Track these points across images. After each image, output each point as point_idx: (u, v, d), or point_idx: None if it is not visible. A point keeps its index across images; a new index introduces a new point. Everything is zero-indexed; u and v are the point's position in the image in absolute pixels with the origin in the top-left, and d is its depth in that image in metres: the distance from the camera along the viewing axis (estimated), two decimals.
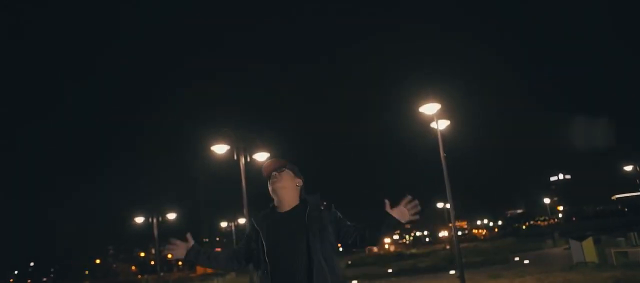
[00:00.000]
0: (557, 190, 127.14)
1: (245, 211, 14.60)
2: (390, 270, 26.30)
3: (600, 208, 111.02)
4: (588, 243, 15.45)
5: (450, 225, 14.42)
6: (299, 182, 2.97)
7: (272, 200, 2.96)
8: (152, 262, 79.59)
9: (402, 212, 2.78)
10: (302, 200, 2.92)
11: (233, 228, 42.58)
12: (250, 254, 2.92)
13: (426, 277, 18.71)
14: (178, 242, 2.90)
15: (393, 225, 2.78)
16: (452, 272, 20.45)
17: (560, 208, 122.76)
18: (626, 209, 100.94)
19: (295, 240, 2.73)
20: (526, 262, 20.62)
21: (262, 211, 2.96)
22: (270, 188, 2.93)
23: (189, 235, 2.93)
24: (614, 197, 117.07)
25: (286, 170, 2.94)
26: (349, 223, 2.88)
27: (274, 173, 2.92)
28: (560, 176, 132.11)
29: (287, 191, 2.90)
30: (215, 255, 3.05)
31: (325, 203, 2.91)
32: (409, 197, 2.79)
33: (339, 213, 2.90)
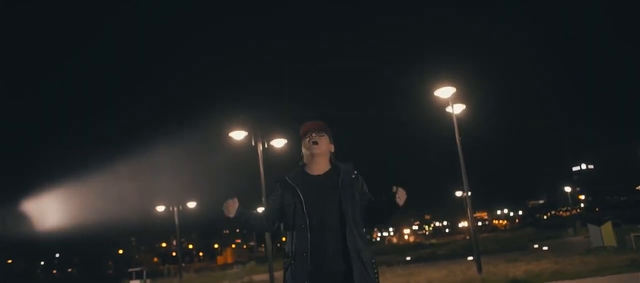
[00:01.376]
0: (579, 181, 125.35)
1: (264, 199, 14.77)
2: (408, 258, 26.42)
3: (624, 198, 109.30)
4: (607, 228, 15.37)
5: (469, 210, 14.45)
6: (332, 147, 2.99)
7: (301, 158, 3.00)
8: (174, 253, 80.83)
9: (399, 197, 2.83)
10: (334, 166, 2.95)
11: None
12: (282, 214, 2.93)
13: (443, 264, 18.77)
14: (232, 201, 2.87)
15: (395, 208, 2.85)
16: (470, 258, 20.50)
17: (582, 197, 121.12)
18: None
19: (329, 202, 2.79)
20: (545, 248, 20.56)
21: (292, 170, 2.97)
22: (305, 148, 2.94)
23: (235, 198, 2.90)
24: (638, 187, 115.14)
25: (325, 134, 2.95)
26: (371, 198, 2.94)
27: (314, 133, 2.92)
28: (583, 166, 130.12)
29: (322, 155, 2.92)
30: (255, 216, 2.98)
31: (356, 172, 2.94)
32: (394, 187, 2.80)
33: (365, 186, 2.96)
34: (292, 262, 2.79)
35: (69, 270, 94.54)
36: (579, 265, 11.32)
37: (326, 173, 2.92)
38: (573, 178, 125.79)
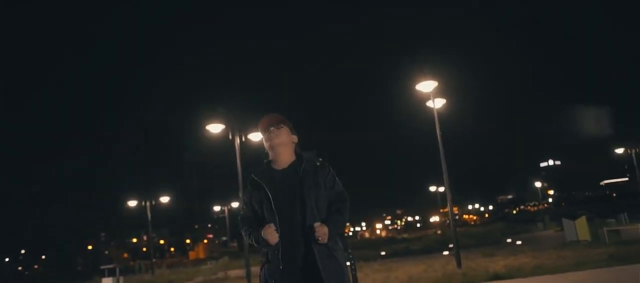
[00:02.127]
0: (547, 177, 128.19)
1: (240, 194, 14.54)
2: (383, 253, 26.49)
3: (589, 193, 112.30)
4: (581, 222, 15.60)
5: (442, 210, 14.47)
6: (295, 138, 2.95)
7: (267, 155, 2.95)
8: (144, 249, 79.53)
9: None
10: (298, 156, 2.90)
11: (226, 212, 42.51)
12: (258, 214, 2.88)
13: (419, 258, 18.83)
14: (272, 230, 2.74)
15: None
16: (446, 252, 20.63)
17: (551, 192, 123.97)
18: (614, 194, 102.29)
19: (294, 194, 2.73)
20: (519, 242, 20.82)
21: (258, 167, 2.92)
22: (266, 144, 2.91)
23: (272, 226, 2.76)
24: (602, 183, 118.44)
25: (284, 126, 2.91)
26: (339, 191, 2.87)
27: (272, 128, 2.88)
28: (551, 162, 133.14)
29: (284, 147, 2.87)
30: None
31: (320, 159, 2.88)
32: (315, 226, 2.69)
33: (332, 173, 2.89)
34: (268, 260, 2.75)
35: (36, 266, 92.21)
36: (557, 260, 11.42)
37: (291, 165, 2.87)
38: (541, 174, 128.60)
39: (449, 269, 12.04)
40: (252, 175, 2.88)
